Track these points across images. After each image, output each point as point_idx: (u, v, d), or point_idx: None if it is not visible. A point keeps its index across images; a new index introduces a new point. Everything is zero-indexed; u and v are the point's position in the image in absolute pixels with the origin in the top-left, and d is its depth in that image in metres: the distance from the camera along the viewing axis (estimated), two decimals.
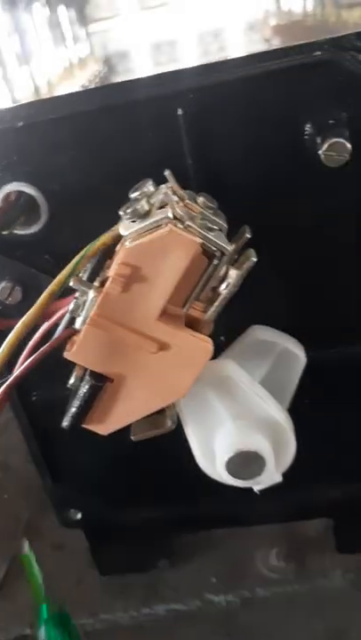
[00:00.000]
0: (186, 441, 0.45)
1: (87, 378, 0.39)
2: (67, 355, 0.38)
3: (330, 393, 0.51)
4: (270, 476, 0.43)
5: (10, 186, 0.44)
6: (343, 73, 0.40)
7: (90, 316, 0.36)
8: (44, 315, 0.38)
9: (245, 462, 0.42)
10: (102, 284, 0.37)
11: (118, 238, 0.37)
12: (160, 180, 0.38)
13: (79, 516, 0.59)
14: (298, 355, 0.45)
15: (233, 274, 0.37)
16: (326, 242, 0.45)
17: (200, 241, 0.35)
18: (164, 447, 0.46)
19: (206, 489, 0.48)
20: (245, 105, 0.41)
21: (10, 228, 0.44)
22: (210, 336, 0.39)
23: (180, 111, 0.42)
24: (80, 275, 0.39)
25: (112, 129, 0.43)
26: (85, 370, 0.39)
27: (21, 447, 0.56)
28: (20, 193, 0.44)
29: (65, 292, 0.38)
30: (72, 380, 0.39)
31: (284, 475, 0.45)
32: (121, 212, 0.36)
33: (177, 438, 0.45)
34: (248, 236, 0.39)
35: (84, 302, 0.37)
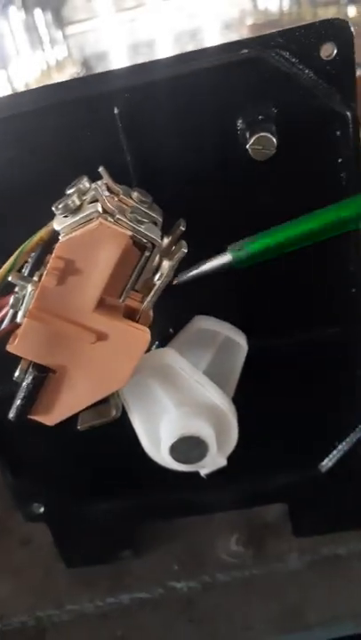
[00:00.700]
0: None
1: (30, 370, 0.40)
2: (9, 347, 0.39)
3: (277, 380, 0.52)
4: (214, 460, 0.44)
5: None
6: (269, 69, 0.41)
7: (29, 310, 0.38)
8: None
9: (189, 447, 0.43)
10: (41, 278, 0.38)
11: (55, 233, 0.38)
12: (100, 177, 0.39)
13: (42, 509, 0.60)
14: (240, 343, 0.47)
15: (165, 265, 0.38)
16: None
17: (130, 233, 0.36)
18: (120, 438, 0.48)
19: (165, 478, 0.49)
20: (179, 103, 0.43)
21: None
22: (150, 326, 0.40)
23: (116, 110, 0.43)
24: (23, 270, 0.41)
25: (52, 128, 0.44)
26: (30, 362, 0.40)
27: None
28: None
29: None
30: (17, 373, 0.41)
31: (238, 462, 0.46)
32: (53, 208, 0.37)
33: (131, 429, 0.47)
34: (182, 228, 0.41)
35: (24, 296, 0.38)
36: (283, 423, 0.53)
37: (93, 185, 0.38)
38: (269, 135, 0.40)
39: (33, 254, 0.40)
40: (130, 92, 0.43)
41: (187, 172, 0.44)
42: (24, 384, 0.40)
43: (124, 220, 0.36)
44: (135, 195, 0.39)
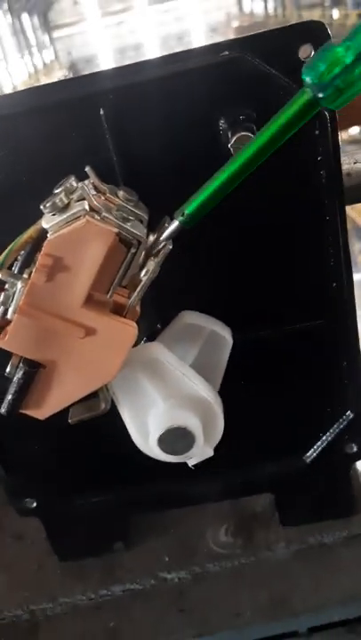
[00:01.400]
0: None
1: (20, 365, 0.41)
2: None
3: (262, 373, 0.54)
4: (201, 450, 0.45)
5: None
6: (249, 70, 0.43)
7: (19, 306, 0.39)
8: None
9: (176, 438, 0.44)
10: (30, 275, 0.39)
11: (44, 231, 0.40)
12: (87, 176, 0.41)
13: (34, 504, 0.61)
14: (225, 337, 0.48)
15: (151, 261, 0.40)
16: (244, 231, 0.48)
17: (116, 230, 0.37)
18: (110, 432, 0.49)
19: (155, 471, 0.51)
20: (162, 104, 0.44)
21: None
22: (137, 321, 0.42)
23: (102, 111, 0.44)
24: (12, 268, 0.42)
25: (39, 129, 0.45)
26: (20, 358, 0.41)
27: None
28: None
29: None
30: (8, 369, 0.42)
31: (226, 453, 0.48)
32: (42, 207, 0.38)
33: (121, 422, 0.48)
34: (167, 226, 0.42)
35: (14, 293, 0.40)
36: (268, 415, 0.55)
37: (80, 184, 0.39)
38: (250, 134, 0.42)
39: (22, 252, 0.41)
40: (115, 93, 0.44)
41: (171, 170, 0.46)
42: (15, 379, 0.41)
43: (111, 217, 0.38)
44: (121, 193, 0.40)
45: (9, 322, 0.40)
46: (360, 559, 0.59)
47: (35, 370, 0.41)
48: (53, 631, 0.61)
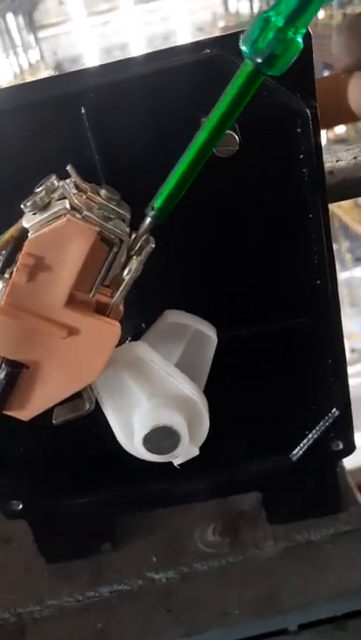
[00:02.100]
0: None
1: (3, 366, 0.41)
2: None
3: (248, 371, 0.54)
4: (187, 449, 0.45)
5: None
6: (231, 69, 0.42)
7: (0, 306, 0.39)
8: None
9: (161, 438, 0.44)
10: (12, 275, 0.39)
11: (25, 231, 0.39)
12: (69, 175, 0.40)
13: (21, 506, 0.61)
14: (210, 335, 0.48)
15: (133, 260, 0.39)
16: (227, 230, 0.48)
17: (97, 229, 0.37)
18: (95, 432, 0.48)
19: (141, 471, 0.50)
20: (144, 102, 0.44)
21: None
22: (121, 321, 0.41)
23: (83, 109, 0.44)
24: None
25: (20, 128, 0.45)
26: (3, 359, 0.41)
27: None
28: None
29: None
30: None
31: (212, 452, 0.47)
32: (22, 206, 0.38)
33: (106, 423, 0.48)
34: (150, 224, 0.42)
35: None
36: (254, 413, 0.55)
37: (62, 183, 0.39)
38: (232, 133, 0.42)
39: (3, 252, 0.41)
40: (96, 91, 0.44)
41: (154, 169, 0.46)
42: None
43: (92, 216, 0.37)
44: (103, 192, 0.40)
45: None
46: (347, 556, 0.59)
47: (17, 370, 0.41)
48: (41, 633, 0.60)
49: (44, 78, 0.46)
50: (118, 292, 0.40)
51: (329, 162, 0.52)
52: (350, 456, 0.57)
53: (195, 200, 0.47)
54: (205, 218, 0.47)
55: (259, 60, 0.33)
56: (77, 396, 0.44)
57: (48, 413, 0.44)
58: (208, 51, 0.43)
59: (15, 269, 0.38)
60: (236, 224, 0.47)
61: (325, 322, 0.51)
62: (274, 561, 0.60)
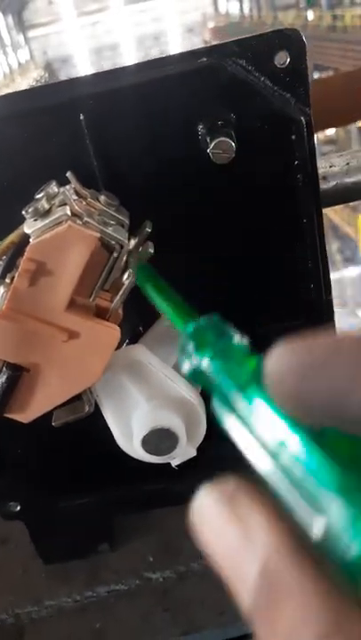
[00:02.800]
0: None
1: (4, 369, 0.41)
2: None
3: None
4: (184, 450, 0.46)
5: None
6: (227, 77, 0.44)
7: (1, 311, 0.39)
8: None
9: (160, 439, 0.45)
10: (13, 280, 0.40)
11: (25, 237, 0.40)
12: (68, 181, 0.41)
13: (18, 507, 0.62)
14: None
15: (132, 265, 0.40)
16: (223, 235, 0.49)
17: (98, 235, 0.38)
18: (93, 434, 0.49)
19: (138, 471, 0.51)
20: (142, 109, 0.45)
21: None
22: (120, 325, 0.42)
23: (82, 116, 0.45)
24: None
25: (20, 135, 0.46)
26: (4, 362, 0.42)
27: None
28: None
29: None
30: None
31: (208, 453, 0.48)
32: (24, 212, 0.39)
33: (104, 424, 0.48)
34: (148, 230, 0.43)
35: None
36: None
37: (62, 189, 0.39)
38: (229, 140, 0.43)
39: (4, 257, 0.41)
40: (94, 99, 0.45)
41: (152, 175, 0.47)
42: None
43: (92, 222, 0.38)
44: (102, 198, 0.41)
45: None
46: None
47: (18, 374, 0.41)
48: (39, 634, 0.61)
49: (43, 85, 0.46)
50: (118, 297, 0.41)
51: (322, 167, 0.53)
52: None
53: (192, 205, 0.48)
54: (202, 223, 0.48)
55: None
56: (77, 398, 0.45)
57: (46, 415, 0.45)
58: (204, 59, 0.43)
59: (17, 274, 0.38)
60: (231, 229, 0.48)
61: (319, 324, 0.52)
62: None
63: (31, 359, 0.41)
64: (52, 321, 0.40)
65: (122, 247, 0.40)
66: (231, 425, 0.23)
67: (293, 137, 0.45)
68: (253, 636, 0.18)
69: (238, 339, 0.28)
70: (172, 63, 0.44)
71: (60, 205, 0.39)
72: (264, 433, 0.21)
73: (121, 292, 0.41)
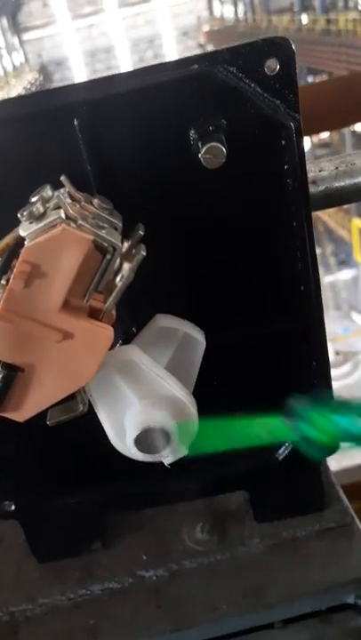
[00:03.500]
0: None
1: (0, 369, 0.42)
2: None
3: (235, 372, 0.55)
4: (176, 449, 0.47)
5: None
6: (218, 84, 0.45)
7: None
8: None
9: (152, 438, 0.46)
10: (8, 281, 0.41)
11: (21, 239, 0.41)
12: (63, 185, 0.42)
13: (13, 507, 0.62)
14: (198, 339, 0.50)
15: (125, 266, 0.41)
16: (216, 238, 0.50)
17: (91, 238, 0.39)
18: (87, 433, 0.50)
19: (132, 470, 0.52)
20: (135, 115, 0.46)
21: None
22: (113, 325, 0.43)
23: (75, 122, 0.46)
24: None
25: (16, 139, 0.46)
26: (0, 362, 0.43)
27: None
28: None
29: None
30: None
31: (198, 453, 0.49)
32: (19, 215, 0.39)
33: (98, 424, 0.49)
34: (141, 232, 0.44)
35: None
36: (240, 413, 0.57)
37: (56, 193, 0.40)
38: (220, 145, 0.44)
39: (0, 259, 0.42)
40: (88, 104, 0.45)
41: (144, 179, 0.47)
42: None
43: (86, 225, 0.39)
44: (96, 202, 0.42)
45: None
46: (331, 552, 0.61)
47: (14, 373, 0.42)
48: (34, 631, 0.62)
49: (39, 91, 0.47)
50: (111, 298, 0.42)
51: (312, 172, 0.54)
52: (340, 458, 0.59)
53: (183, 209, 0.49)
54: (193, 226, 0.49)
55: None
56: (71, 397, 0.46)
57: (40, 415, 0.46)
58: (195, 66, 0.44)
59: (12, 276, 0.39)
60: (222, 232, 0.49)
61: (310, 326, 0.53)
62: (260, 557, 0.62)
63: (26, 359, 0.42)
64: (46, 322, 0.41)
65: (115, 250, 0.40)
66: None
67: (283, 142, 0.46)
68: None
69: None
70: (164, 70, 0.45)
71: (54, 209, 0.40)
72: None
73: (114, 294, 0.42)
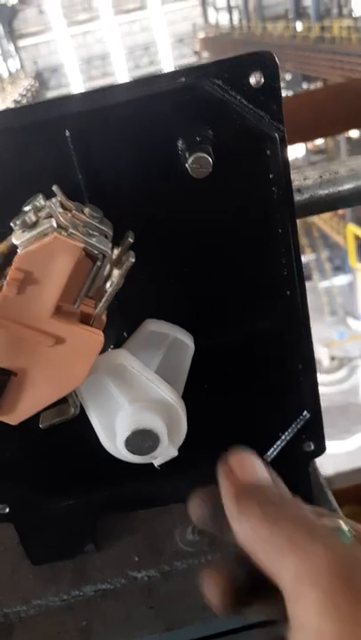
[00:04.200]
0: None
1: None
2: None
3: (223, 376, 0.57)
4: (166, 451, 0.48)
5: None
6: (205, 96, 0.46)
7: None
8: None
9: (142, 439, 0.47)
10: (1, 288, 0.42)
11: (14, 247, 0.42)
12: (54, 195, 0.43)
13: (7, 510, 0.63)
14: (187, 343, 0.51)
15: (115, 273, 0.43)
16: (203, 245, 0.51)
17: (82, 245, 0.40)
18: (79, 436, 0.51)
19: (124, 473, 0.53)
20: (124, 126, 0.47)
21: None
22: (104, 330, 0.44)
23: (67, 133, 0.47)
24: None
25: (8, 150, 0.48)
26: None
27: None
28: None
29: None
30: None
31: (190, 454, 0.50)
32: (12, 224, 0.41)
33: (90, 427, 0.50)
34: (131, 240, 0.45)
35: None
36: (229, 416, 0.58)
37: (48, 202, 0.42)
38: (206, 155, 0.45)
39: None
40: (79, 116, 0.47)
41: (134, 188, 0.49)
42: None
43: (77, 233, 0.41)
44: (87, 210, 0.43)
45: None
46: None
47: (6, 377, 0.44)
48: (28, 632, 0.62)
49: (32, 104, 0.49)
50: (101, 303, 0.43)
51: (297, 180, 0.56)
52: (333, 463, 0.60)
53: (172, 218, 0.50)
54: (181, 234, 0.50)
55: None
56: (63, 401, 0.47)
57: (33, 419, 0.47)
58: (183, 79, 0.46)
59: (5, 283, 0.40)
60: (210, 240, 0.51)
61: (295, 329, 0.55)
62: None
63: (19, 363, 0.43)
64: (38, 327, 0.42)
65: (105, 257, 0.42)
66: None
67: (268, 152, 0.48)
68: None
69: None
70: (153, 83, 0.47)
71: (46, 217, 0.41)
72: None
73: (104, 299, 0.43)
